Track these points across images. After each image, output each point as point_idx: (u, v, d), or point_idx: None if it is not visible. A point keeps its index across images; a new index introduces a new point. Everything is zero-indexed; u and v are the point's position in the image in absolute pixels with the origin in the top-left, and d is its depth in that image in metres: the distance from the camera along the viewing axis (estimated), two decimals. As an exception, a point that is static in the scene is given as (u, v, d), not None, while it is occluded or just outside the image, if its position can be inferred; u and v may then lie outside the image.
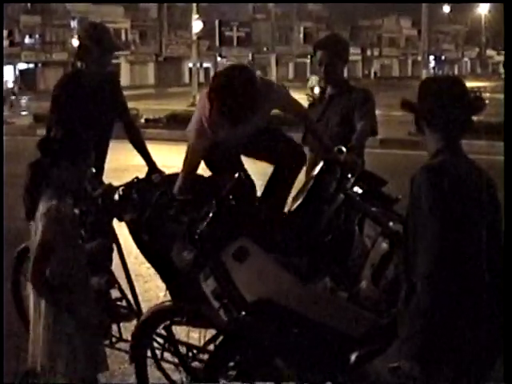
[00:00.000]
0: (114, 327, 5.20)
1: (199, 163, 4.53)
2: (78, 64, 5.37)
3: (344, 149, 4.54)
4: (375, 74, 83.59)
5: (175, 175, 4.69)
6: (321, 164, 4.40)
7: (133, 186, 4.69)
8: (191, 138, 4.47)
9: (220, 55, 67.07)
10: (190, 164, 4.44)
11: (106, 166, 5.59)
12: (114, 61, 5.64)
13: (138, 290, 4.98)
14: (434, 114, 3.05)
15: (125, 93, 5.85)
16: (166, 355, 4.59)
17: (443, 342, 2.92)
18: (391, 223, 3.85)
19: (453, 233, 2.90)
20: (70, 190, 3.90)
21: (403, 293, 3.04)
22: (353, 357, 3.55)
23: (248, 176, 4.62)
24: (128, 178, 4.86)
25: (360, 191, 4.14)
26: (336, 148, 4.55)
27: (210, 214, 3.67)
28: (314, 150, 5.53)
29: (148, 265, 4.79)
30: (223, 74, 4.25)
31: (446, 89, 3.08)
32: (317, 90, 41.88)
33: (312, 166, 5.22)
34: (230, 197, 3.78)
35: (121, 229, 4.96)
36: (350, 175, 4.27)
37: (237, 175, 3.90)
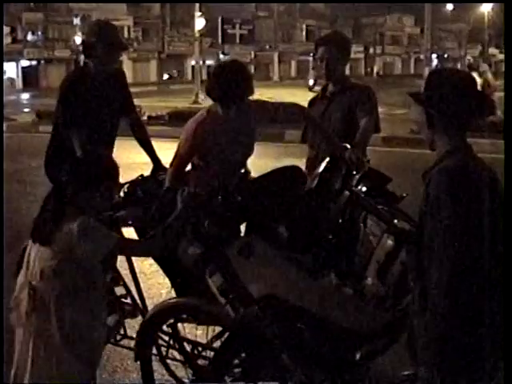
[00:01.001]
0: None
1: (189, 160, 4.60)
2: (82, 61, 5.36)
3: (348, 146, 4.55)
4: (377, 72, 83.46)
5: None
6: (325, 161, 4.41)
7: (138, 183, 4.70)
8: (186, 132, 4.55)
9: (223, 53, 66.89)
10: (181, 160, 4.55)
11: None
12: (117, 58, 5.62)
13: (142, 287, 4.98)
14: (449, 108, 2.96)
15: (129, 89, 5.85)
16: (172, 352, 4.60)
17: (462, 349, 2.84)
18: (396, 221, 3.86)
19: (473, 237, 2.82)
20: (97, 210, 3.73)
21: (415, 296, 2.98)
22: (359, 353, 3.55)
23: (248, 173, 4.65)
24: (132, 176, 4.87)
25: (365, 188, 4.14)
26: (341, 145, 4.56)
27: (215, 210, 3.68)
28: (313, 146, 5.54)
29: (150, 262, 4.81)
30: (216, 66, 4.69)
31: (462, 81, 3.00)
32: (311, 82, 41.50)
33: (312, 163, 5.23)
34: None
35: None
36: (354, 172, 4.28)
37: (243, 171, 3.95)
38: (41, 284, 3.61)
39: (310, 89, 37.48)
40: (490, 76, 22.05)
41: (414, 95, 3.09)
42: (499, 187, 3.00)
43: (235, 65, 4.64)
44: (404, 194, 4.17)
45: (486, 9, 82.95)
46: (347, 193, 4.08)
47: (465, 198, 2.82)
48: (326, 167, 4.33)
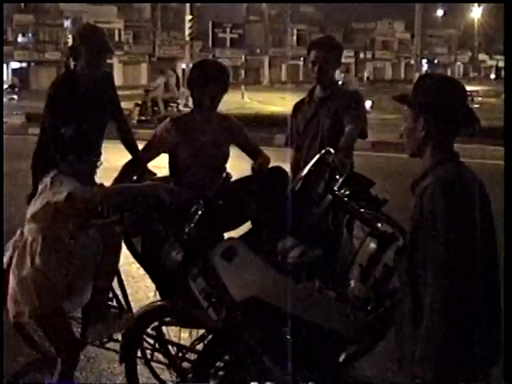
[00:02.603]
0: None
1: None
2: (71, 64, 5.35)
3: (332, 150, 4.56)
4: (368, 77, 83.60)
5: (166, 177, 4.73)
6: (310, 165, 4.43)
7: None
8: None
9: (213, 56, 66.87)
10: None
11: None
12: (107, 61, 5.61)
13: (128, 291, 4.98)
14: (445, 113, 2.92)
15: (118, 93, 5.85)
16: (156, 355, 4.61)
17: (459, 364, 2.80)
18: (379, 224, 3.88)
19: (473, 247, 2.78)
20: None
21: (407, 310, 2.94)
22: (342, 355, 3.57)
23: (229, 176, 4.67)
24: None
25: (348, 192, 4.16)
26: (324, 150, 4.58)
27: (198, 215, 3.69)
28: (298, 150, 5.57)
29: (138, 265, 4.81)
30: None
31: (455, 87, 2.98)
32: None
33: (296, 165, 5.26)
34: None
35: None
36: (337, 176, 4.30)
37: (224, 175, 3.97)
38: (26, 228, 4.29)
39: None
40: None
41: (404, 98, 3.04)
42: (487, 193, 2.98)
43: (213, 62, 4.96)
44: (387, 198, 4.19)
45: (475, 15, 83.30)
46: (330, 196, 4.10)
47: (465, 208, 2.79)
48: (309, 170, 4.35)
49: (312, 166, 4.38)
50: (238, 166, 4.83)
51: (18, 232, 4.39)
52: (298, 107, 5.87)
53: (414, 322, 2.88)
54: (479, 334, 2.83)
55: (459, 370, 2.81)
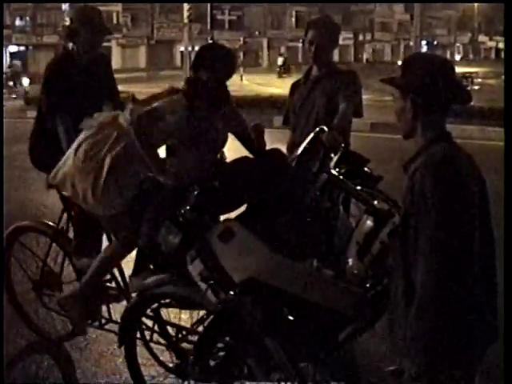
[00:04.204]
0: (104, 308, 5.22)
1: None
2: (69, 46, 5.32)
3: (326, 128, 4.56)
4: (367, 59, 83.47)
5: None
6: (303, 144, 4.42)
7: None
8: None
9: (212, 39, 66.68)
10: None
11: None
12: (106, 44, 5.60)
13: (126, 272, 4.99)
14: (434, 93, 2.90)
15: (116, 76, 5.84)
16: (156, 337, 4.62)
17: (450, 344, 2.79)
18: (375, 201, 3.87)
19: (464, 227, 2.76)
20: None
21: (399, 292, 2.93)
22: (341, 334, 3.57)
23: (224, 157, 4.66)
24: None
25: (343, 170, 4.15)
26: (318, 128, 4.57)
27: (194, 196, 3.68)
28: (295, 130, 5.57)
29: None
30: None
31: (442, 66, 2.95)
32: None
33: (292, 145, 5.25)
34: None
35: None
36: (332, 155, 4.29)
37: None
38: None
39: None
40: None
41: (391, 80, 3.01)
42: (480, 173, 2.96)
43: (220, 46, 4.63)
44: (382, 175, 4.18)
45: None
46: (325, 175, 4.09)
47: (455, 188, 2.77)
48: (304, 149, 4.34)
49: (306, 145, 4.38)
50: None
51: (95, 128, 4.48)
52: (294, 87, 5.88)
53: (406, 302, 2.87)
54: (473, 315, 2.83)
55: (451, 351, 2.80)
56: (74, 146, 4.50)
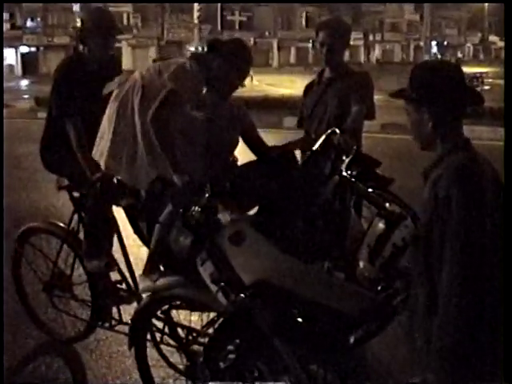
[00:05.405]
0: (114, 310, 5.23)
1: None
2: (80, 47, 5.33)
3: (338, 131, 4.55)
4: (377, 59, 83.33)
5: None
6: (315, 146, 4.42)
7: None
8: None
9: (222, 39, 66.74)
10: None
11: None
12: (116, 44, 5.60)
13: (137, 273, 4.99)
14: (447, 100, 2.86)
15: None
16: (166, 338, 4.61)
17: (475, 355, 2.74)
18: (387, 204, 3.85)
19: (489, 235, 2.72)
20: None
21: (420, 300, 2.91)
22: (352, 337, 3.55)
23: (236, 159, 4.64)
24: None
25: (355, 172, 4.14)
26: (330, 130, 4.56)
27: (205, 198, 3.67)
28: (309, 132, 5.56)
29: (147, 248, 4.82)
30: None
31: (451, 73, 2.90)
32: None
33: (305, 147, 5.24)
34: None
35: (120, 212, 4.98)
36: (344, 157, 4.28)
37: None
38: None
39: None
40: None
41: (402, 94, 2.97)
42: (498, 177, 2.92)
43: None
44: (393, 178, 4.17)
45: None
46: (337, 177, 4.08)
47: (480, 195, 2.74)
48: (316, 151, 4.34)
49: (318, 147, 4.37)
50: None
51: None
52: (307, 89, 5.88)
53: (429, 311, 2.85)
54: (496, 328, 2.77)
55: (473, 364, 2.76)
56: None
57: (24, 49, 64.51)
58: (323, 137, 4.49)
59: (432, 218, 2.83)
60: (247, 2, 72.08)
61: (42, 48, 65.64)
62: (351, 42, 5.85)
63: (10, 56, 61.15)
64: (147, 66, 4.42)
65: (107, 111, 4.52)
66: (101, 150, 4.53)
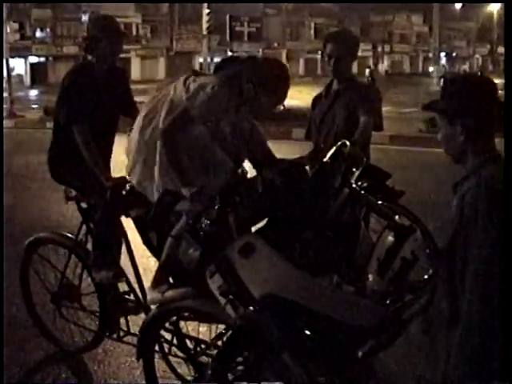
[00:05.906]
0: (122, 320, 5.23)
1: None
2: (89, 57, 5.33)
3: (348, 143, 4.55)
4: (386, 70, 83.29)
5: None
6: (325, 158, 4.41)
7: None
8: None
9: (231, 50, 66.78)
10: None
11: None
12: (125, 55, 5.60)
13: (145, 284, 4.99)
14: (480, 115, 2.86)
15: (135, 87, 5.84)
16: (174, 350, 4.60)
17: (499, 367, 2.72)
18: (397, 216, 3.84)
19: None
20: None
21: (444, 313, 2.90)
22: (361, 350, 3.53)
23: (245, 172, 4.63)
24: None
25: (365, 185, 4.12)
26: (340, 142, 4.56)
27: (214, 211, 3.67)
28: (318, 143, 5.56)
29: (155, 259, 4.81)
30: None
31: (485, 86, 2.92)
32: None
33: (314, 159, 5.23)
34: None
35: (129, 223, 4.98)
36: (354, 169, 4.27)
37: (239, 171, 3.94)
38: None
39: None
40: None
41: (435, 107, 2.96)
42: None
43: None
44: (403, 190, 4.15)
45: (495, 7, 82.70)
46: (347, 189, 4.07)
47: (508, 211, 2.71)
48: (325, 163, 4.33)
49: (328, 159, 4.36)
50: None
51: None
52: (316, 101, 5.89)
53: (451, 326, 2.83)
54: None
55: (494, 372, 2.74)
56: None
57: (33, 59, 64.71)
58: (333, 149, 4.48)
59: (457, 232, 2.82)
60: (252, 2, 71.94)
61: (51, 58, 65.83)
62: (360, 54, 5.87)
63: (19, 66, 61.32)
64: (181, 79, 4.40)
65: (139, 113, 4.53)
66: (127, 153, 4.52)
